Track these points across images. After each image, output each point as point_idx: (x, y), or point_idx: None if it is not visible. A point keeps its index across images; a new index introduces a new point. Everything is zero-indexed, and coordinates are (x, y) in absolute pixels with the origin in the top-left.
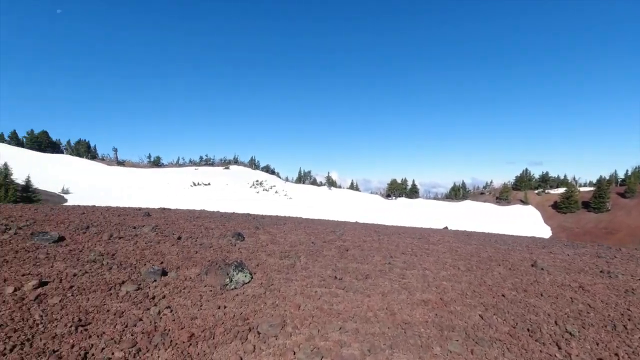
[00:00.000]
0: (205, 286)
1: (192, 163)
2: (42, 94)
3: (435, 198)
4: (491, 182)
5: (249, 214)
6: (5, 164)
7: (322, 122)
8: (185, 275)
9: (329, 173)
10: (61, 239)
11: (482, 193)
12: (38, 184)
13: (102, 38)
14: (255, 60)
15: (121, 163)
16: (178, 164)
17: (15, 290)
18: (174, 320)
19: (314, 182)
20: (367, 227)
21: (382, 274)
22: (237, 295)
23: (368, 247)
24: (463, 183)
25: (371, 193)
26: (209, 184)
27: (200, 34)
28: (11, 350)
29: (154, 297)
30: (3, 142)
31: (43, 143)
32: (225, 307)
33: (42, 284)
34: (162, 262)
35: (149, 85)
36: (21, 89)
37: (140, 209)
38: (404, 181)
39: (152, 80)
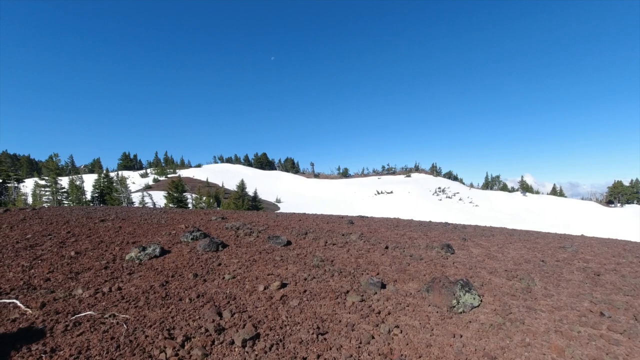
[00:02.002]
0: (430, 306)
1: (375, 172)
2: (265, 126)
3: None
4: None
5: (447, 223)
6: (242, 181)
7: (510, 124)
8: (404, 290)
9: (522, 177)
10: (289, 243)
11: None
12: (261, 194)
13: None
14: (436, 69)
15: (317, 175)
16: (363, 174)
17: (265, 288)
18: (407, 344)
19: (503, 188)
20: (608, 243)
21: None
22: (469, 322)
23: (629, 272)
24: None
25: (582, 199)
26: (391, 192)
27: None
28: (270, 349)
29: (379, 312)
30: (240, 163)
31: (263, 162)
32: (461, 336)
33: (282, 285)
34: (377, 273)
35: (344, 108)
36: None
37: (342, 216)
38: (635, 183)
39: (349, 102)
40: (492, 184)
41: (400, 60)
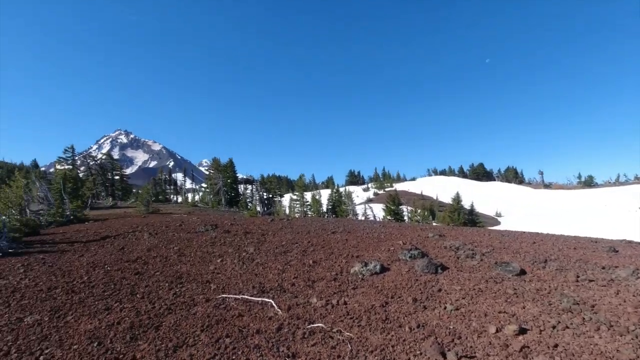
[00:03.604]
0: None
1: (638, 180)
2: (482, 135)
3: None
4: None
5: None
6: (457, 193)
7: None
8: None
9: None
10: (522, 272)
11: None
12: (478, 208)
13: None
14: None
15: (547, 185)
16: (617, 182)
17: (497, 331)
18: None
19: None
20: None
21: None
22: None
23: None
24: None
25: None
26: None
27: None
28: None
29: None
30: (454, 175)
31: (480, 173)
32: None
33: (521, 330)
34: None
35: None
36: (468, 136)
37: (595, 240)
38: None
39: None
40: None
41: None
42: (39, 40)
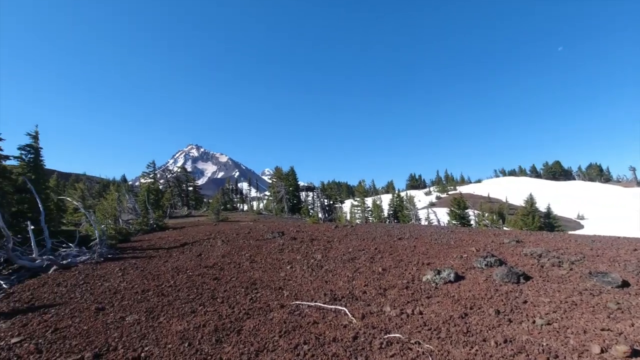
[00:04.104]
0: None
1: None
2: (557, 131)
3: None
4: None
5: None
6: (530, 194)
7: None
8: None
9: None
10: (625, 284)
11: None
12: (556, 210)
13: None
14: None
15: None
16: None
17: (602, 351)
18: None
19: None
20: None
21: None
22: None
23: None
24: None
25: None
26: None
27: None
28: None
29: None
30: (525, 175)
31: (556, 172)
32: None
33: (634, 352)
34: None
35: None
36: (541, 133)
37: None
38: None
39: None
40: None
41: None
42: (130, 74)
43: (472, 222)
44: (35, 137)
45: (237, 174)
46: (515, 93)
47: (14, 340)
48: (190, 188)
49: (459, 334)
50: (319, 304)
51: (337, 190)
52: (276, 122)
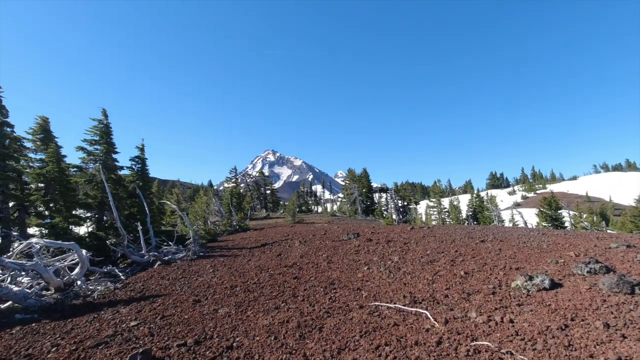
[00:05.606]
0: None
1: None
2: None
3: None
4: None
5: None
6: None
7: None
8: None
9: None
10: None
11: None
12: None
13: None
14: None
15: None
16: None
17: None
18: None
19: None
20: None
21: None
22: None
23: None
24: None
25: None
26: None
27: None
28: None
29: None
30: (635, 170)
31: None
32: None
33: None
34: None
35: None
36: None
37: None
38: None
39: None
40: None
41: None
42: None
43: (567, 224)
44: (142, 149)
45: (311, 176)
46: (621, 70)
47: (132, 323)
48: (268, 191)
49: (558, 346)
50: (399, 306)
51: (412, 191)
52: (348, 125)
